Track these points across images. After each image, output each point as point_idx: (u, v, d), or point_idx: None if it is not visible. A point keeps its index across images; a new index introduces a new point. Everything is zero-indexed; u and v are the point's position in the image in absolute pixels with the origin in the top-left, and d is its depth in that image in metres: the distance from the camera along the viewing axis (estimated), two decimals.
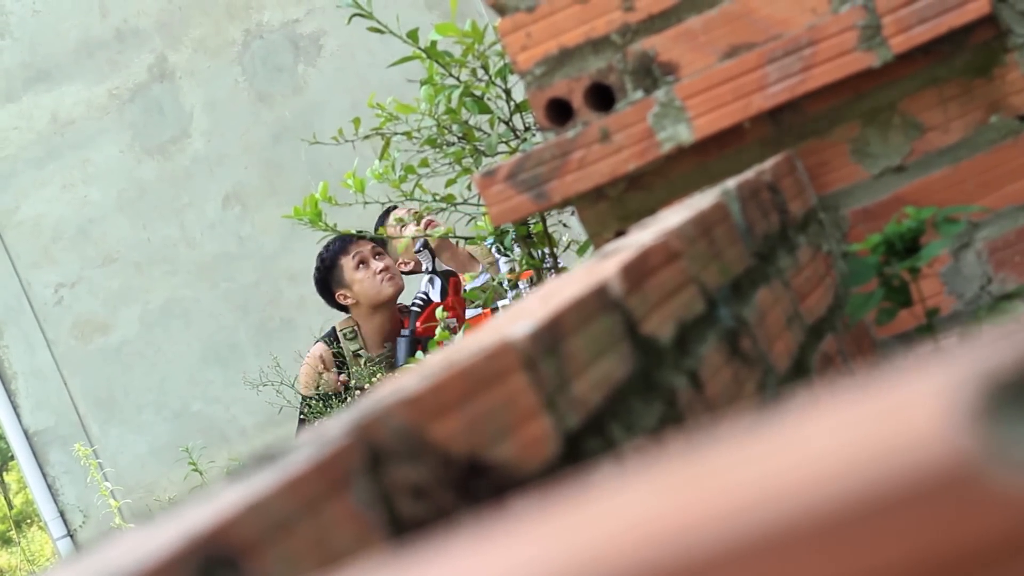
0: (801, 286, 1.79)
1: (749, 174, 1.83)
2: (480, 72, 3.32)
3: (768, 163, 1.91)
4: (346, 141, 3.79)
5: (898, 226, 1.77)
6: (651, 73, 2.02)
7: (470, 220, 3.85)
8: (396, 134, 3.57)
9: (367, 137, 3.73)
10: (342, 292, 4.81)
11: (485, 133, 3.47)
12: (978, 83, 1.94)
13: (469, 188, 3.76)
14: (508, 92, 3.36)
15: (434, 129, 3.47)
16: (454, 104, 3.37)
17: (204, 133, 6.76)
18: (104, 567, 0.64)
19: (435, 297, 4.62)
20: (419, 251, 4.58)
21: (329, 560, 0.76)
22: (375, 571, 0.38)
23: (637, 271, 1.30)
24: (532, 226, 3.67)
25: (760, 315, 1.57)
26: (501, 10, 2.08)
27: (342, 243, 4.85)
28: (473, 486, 0.92)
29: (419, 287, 4.78)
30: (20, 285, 7.00)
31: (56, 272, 6.96)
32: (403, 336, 4.70)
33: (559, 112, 2.07)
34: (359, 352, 4.83)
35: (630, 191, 2.06)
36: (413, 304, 4.80)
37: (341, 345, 4.88)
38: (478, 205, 3.79)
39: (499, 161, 3.26)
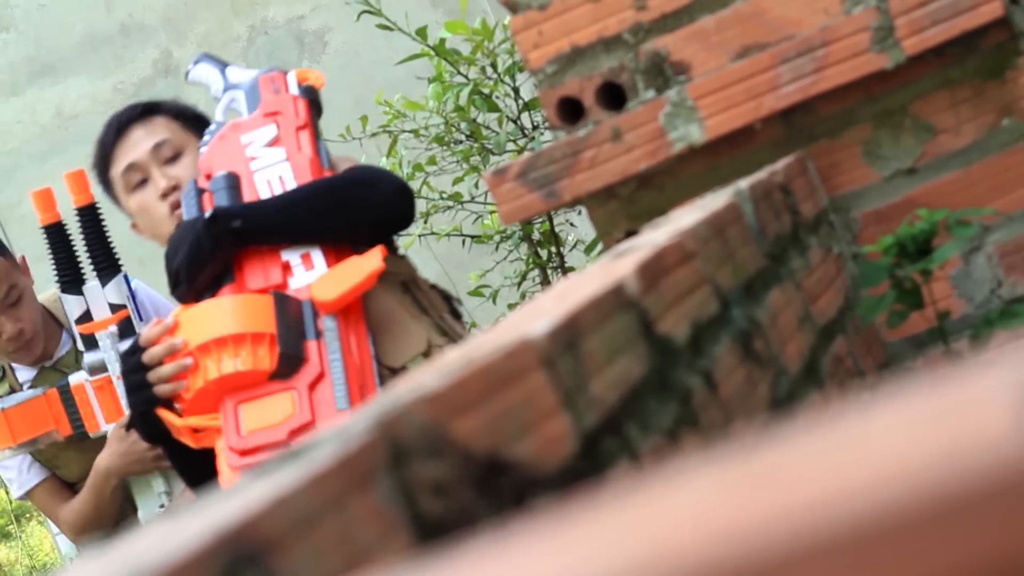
0: (812, 288, 1.78)
1: (761, 175, 1.83)
2: (489, 70, 3.32)
3: (780, 164, 1.91)
4: (353, 139, 3.79)
5: (910, 228, 1.77)
6: (663, 72, 2.02)
7: (477, 218, 3.85)
8: (403, 132, 3.57)
9: (375, 135, 3.73)
10: None
11: (493, 131, 3.46)
12: (990, 86, 1.94)
13: (476, 186, 3.76)
14: (517, 90, 3.36)
15: (442, 127, 3.47)
16: (462, 102, 3.37)
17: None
18: (132, 561, 0.63)
19: None
20: None
21: (353, 556, 0.76)
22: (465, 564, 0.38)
23: (653, 270, 1.30)
24: (539, 225, 3.67)
25: (772, 316, 1.57)
26: (513, 8, 2.07)
27: None
28: (493, 484, 0.92)
29: None
30: None
31: None
32: None
33: (570, 111, 2.07)
34: None
35: (641, 190, 2.05)
36: None
37: None
38: (485, 203, 3.78)
39: (507, 159, 3.26)
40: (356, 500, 0.77)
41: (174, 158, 2.99)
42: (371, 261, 2.35)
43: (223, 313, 2.36)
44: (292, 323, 2.33)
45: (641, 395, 1.19)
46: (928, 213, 1.79)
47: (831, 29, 1.93)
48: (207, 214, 2.43)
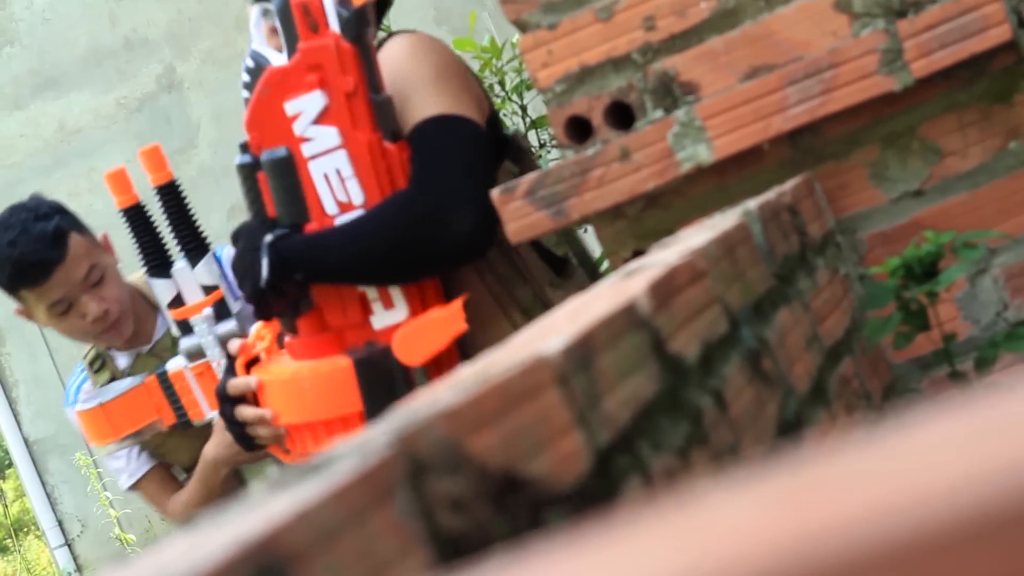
0: (820, 308, 1.79)
1: (770, 195, 1.83)
2: (497, 88, 3.33)
3: (788, 185, 1.92)
4: None
5: (917, 250, 1.78)
6: (671, 93, 2.03)
7: None
8: None
9: None
10: None
11: None
12: (998, 109, 1.95)
13: None
14: (524, 108, 3.37)
15: None
16: None
17: (211, 144, 6.77)
18: (158, 572, 0.64)
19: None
20: None
21: (373, 570, 0.76)
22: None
23: (664, 290, 1.30)
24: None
25: (781, 336, 1.58)
26: (523, 27, 2.08)
27: None
28: (509, 501, 0.93)
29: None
30: None
31: None
32: None
33: (579, 130, 2.07)
34: None
35: (648, 210, 2.06)
36: None
37: None
38: None
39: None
40: (376, 514, 0.78)
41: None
42: (455, 324, 2.20)
43: (306, 394, 2.28)
44: (379, 391, 2.23)
45: (653, 414, 1.19)
46: (935, 235, 1.80)
47: (839, 51, 1.93)
48: (265, 263, 2.25)
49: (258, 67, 2.28)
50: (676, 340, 1.28)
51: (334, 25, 2.22)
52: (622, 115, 2.06)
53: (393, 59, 2.37)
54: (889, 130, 1.98)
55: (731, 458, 1.32)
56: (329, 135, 2.24)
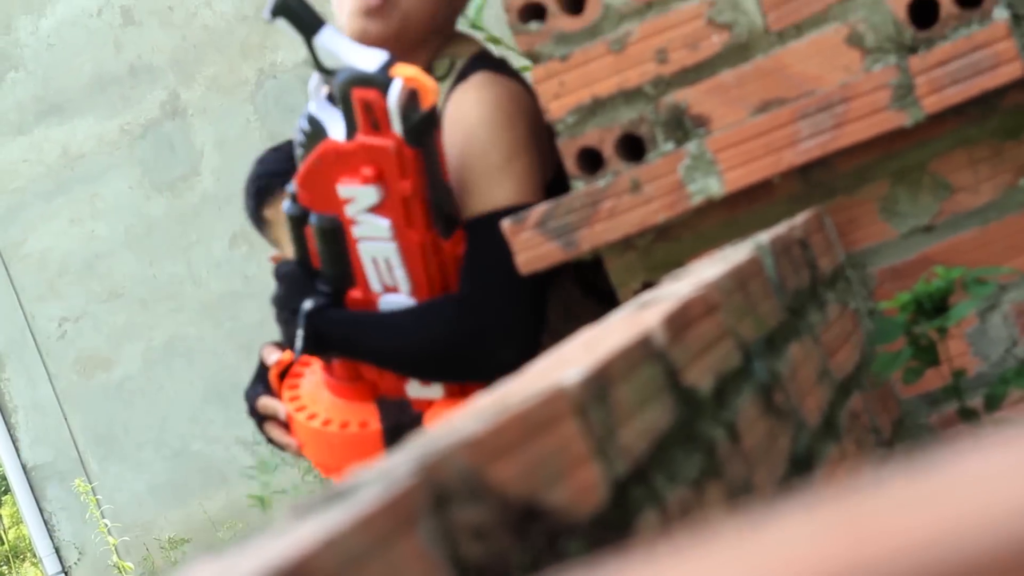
0: (830, 343, 1.79)
1: (781, 229, 1.84)
2: None
3: (799, 218, 1.92)
4: None
5: (927, 286, 1.78)
6: (682, 125, 2.03)
7: None
8: None
9: None
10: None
11: None
12: (1009, 146, 1.95)
13: None
14: None
15: None
16: None
17: (214, 171, 6.78)
18: None
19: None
20: None
21: None
22: None
23: (679, 322, 1.30)
24: None
25: (792, 370, 1.58)
26: (535, 58, 2.09)
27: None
28: (529, 530, 0.92)
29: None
30: (24, 318, 7.00)
31: (61, 306, 6.97)
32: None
33: (590, 161, 2.08)
34: None
35: (658, 242, 2.06)
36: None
37: None
38: None
39: None
40: (401, 542, 0.78)
41: None
42: None
43: (333, 448, 2.25)
44: None
45: (668, 445, 1.19)
46: (945, 271, 1.80)
47: (851, 86, 1.94)
48: (300, 335, 2.19)
49: (315, 133, 2.15)
50: (690, 372, 1.28)
51: (397, 126, 2.08)
52: (633, 147, 2.06)
53: (466, 123, 2.24)
54: (900, 165, 1.98)
55: (744, 492, 1.32)
56: (381, 226, 2.13)
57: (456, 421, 0.99)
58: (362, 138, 2.09)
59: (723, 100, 2.02)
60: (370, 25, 2.24)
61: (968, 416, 1.86)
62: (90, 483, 6.90)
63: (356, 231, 2.14)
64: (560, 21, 2.08)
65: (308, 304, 2.20)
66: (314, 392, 2.31)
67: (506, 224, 2.06)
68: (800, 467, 1.49)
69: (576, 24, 2.07)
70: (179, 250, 6.83)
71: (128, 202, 6.84)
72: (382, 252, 2.15)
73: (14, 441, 7.15)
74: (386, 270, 2.17)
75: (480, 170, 2.21)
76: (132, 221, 6.84)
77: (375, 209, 2.12)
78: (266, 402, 2.34)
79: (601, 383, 1.10)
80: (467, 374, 2.20)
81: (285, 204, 2.21)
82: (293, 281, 2.25)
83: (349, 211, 2.13)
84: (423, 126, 2.08)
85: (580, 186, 2.06)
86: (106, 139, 6.83)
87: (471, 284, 2.16)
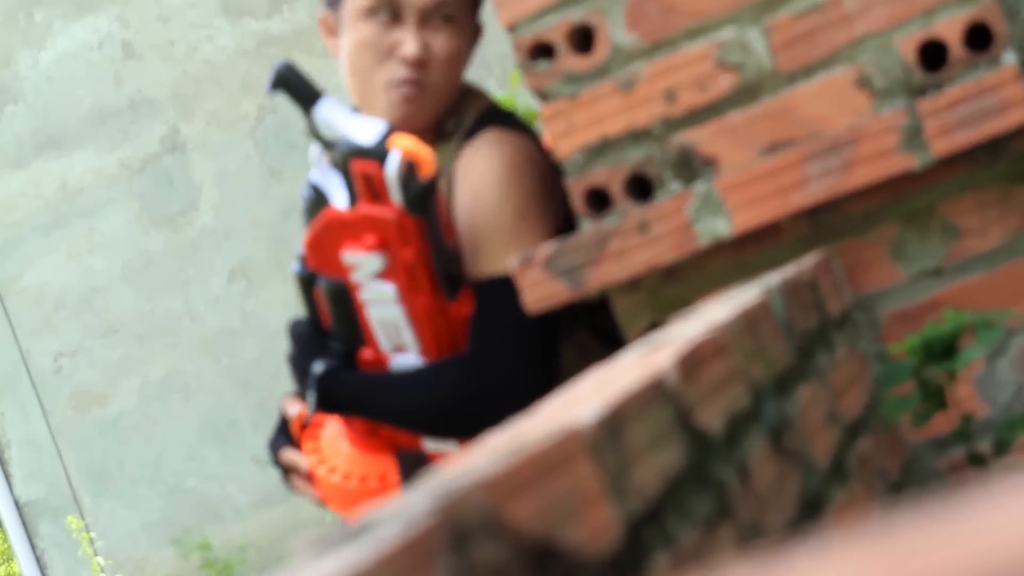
0: (839, 385, 1.78)
1: (789, 271, 1.83)
2: None
3: (807, 260, 1.91)
4: None
5: (936, 329, 1.77)
6: (690, 166, 2.03)
7: None
8: None
9: None
10: None
11: None
12: (1017, 190, 1.95)
13: None
14: None
15: None
16: None
17: (213, 206, 6.78)
18: None
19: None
20: None
21: None
22: None
23: (690, 363, 1.30)
24: None
25: (801, 412, 1.57)
26: (544, 96, 2.09)
27: None
28: (545, 570, 0.92)
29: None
30: (19, 353, 6.99)
31: (57, 341, 6.95)
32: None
33: (597, 200, 2.08)
34: None
35: (665, 282, 2.06)
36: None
37: None
38: None
39: None
40: None
41: (447, 21, 2.27)
42: None
43: (353, 499, 2.29)
44: None
45: (680, 486, 1.19)
46: (954, 314, 1.79)
47: (860, 128, 1.94)
48: (311, 398, 2.23)
49: (318, 200, 2.18)
50: (702, 413, 1.28)
51: (396, 197, 2.12)
52: (641, 187, 2.06)
53: (475, 182, 2.24)
54: (908, 208, 1.98)
55: (754, 533, 1.31)
56: (386, 292, 2.18)
57: (470, 460, 0.98)
58: (363, 208, 2.14)
59: (731, 141, 2.02)
60: (408, 110, 2.26)
61: (977, 461, 1.86)
62: (83, 519, 6.87)
63: (363, 295, 2.19)
64: (569, 60, 2.08)
65: (319, 367, 2.24)
66: (334, 443, 2.34)
67: (514, 262, 2.06)
68: (809, 509, 1.48)
69: (585, 64, 2.08)
70: (177, 285, 6.83)
71: (126, 236, 6.83)
72: (389, 315, 2.19)
73: (7, 476, 7.12)
74: (394, 332, 2.20)
75: (490, 231, 2.23)
76: (130, 256, 6.84)
77: (380, 275, 2.16)
78: (289, 455, 2.36)
79: (615, 423, 1.09)
80: (475, 433, 2.20)
81: (294, 265, 2.25)
82: (305, 341, 2.29)
83: (354, 277, 2.17)
84: (422, 196, 2.13)
85: (588, 225, 2.06)
86: (105, 173, 6.83)
87: (479, 345, 2.19)
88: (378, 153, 2.12)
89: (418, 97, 2.27)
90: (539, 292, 2.04)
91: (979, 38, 1.93)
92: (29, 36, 6.90)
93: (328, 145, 2.17)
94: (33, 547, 7.21)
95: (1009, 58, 1.91)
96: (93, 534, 6.97)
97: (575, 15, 2.08)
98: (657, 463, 1.16)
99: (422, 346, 2.21)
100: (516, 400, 2.15)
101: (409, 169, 2.11)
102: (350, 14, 2.30)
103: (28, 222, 6.91)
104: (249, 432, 6.73)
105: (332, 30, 2.35)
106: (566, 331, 2.25)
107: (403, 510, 0.82)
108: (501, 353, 2.18)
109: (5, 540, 9.97)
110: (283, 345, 6.31)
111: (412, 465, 2.26)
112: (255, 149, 6.73)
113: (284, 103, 6.64)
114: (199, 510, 6.83)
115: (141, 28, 6.80)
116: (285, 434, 2.40)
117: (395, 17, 2.27)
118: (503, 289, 2.16)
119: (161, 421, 6.90)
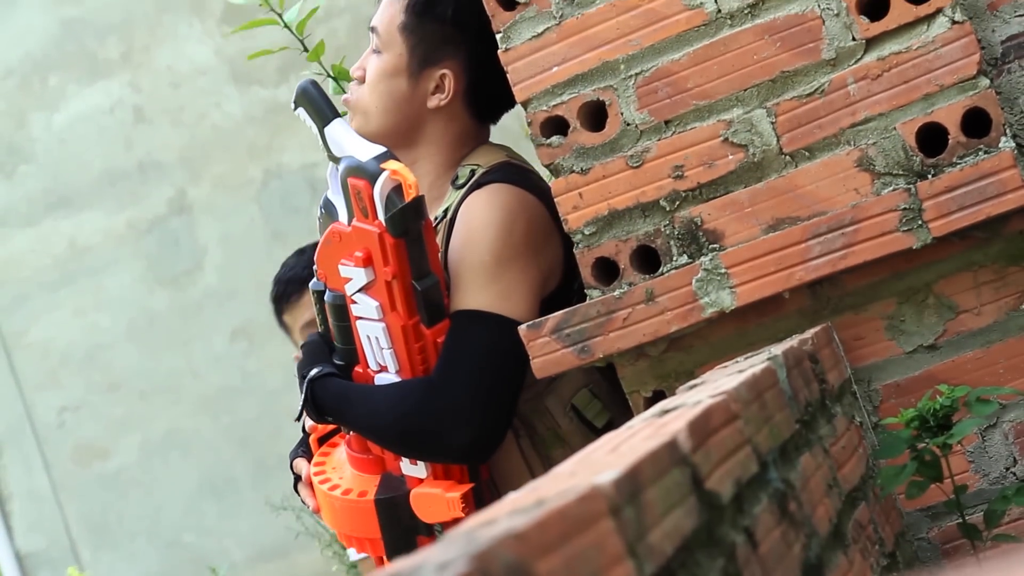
0: (838, 455, 1.84)
1: (792, 342, 1.90)
2: None
3: (809, 333, 1.98)
4: None
5: (932, 403, 1.84)
6: (697, 239, 2.10)
7: None
8: None
9: None
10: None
11: None
12: (1012, 270, 2.02)
13: None
14: None
15: None
16: None
17: (217, 268, 6.83)
18: None
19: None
20: None
21: None
22: None
23: (702, 429, 1.36)
24: None
25: (804, 480, 1.63)
26: (556, 171, 2.16)
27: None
28: None
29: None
30: (24, 406, 7.02)
31: (61, 396, 6.98)
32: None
33: (606, 271, 2.14)
34: None
35: (670, 351, 2.12)
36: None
37: None
38: None
39: None
40: None
41: (376, 52, 2.54)
42: (453, 510, 2.30)
43: (337, 514, 2.44)
44: (395, 527, 2.37)
45: (692, 548, 1.24)
46: (949, 389, 1.86)
47: (861, 208, 2.01)
48: (300, 398, 2.40)
49: (327, 216, 2.35)
50: (712, 478, 1.33)
51: (381, 215, 2.25)
52: (648, 259, 2.13)
53: (470, 223, 2.38)
54: (906, 285, 2.05)
55: None
56: (371, 307, 2.31)
57: (493, 515, 1.04)
58: (356, 223, 2.29)
59: (737, 216, 2.08)
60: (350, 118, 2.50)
61: (969, 532, 1.92)
62: (83, 572, 6.88)
63: (355, 310, 2.33)
64: (581, 136, 2.15)
65: (313, 372, 2.38)
66: (340, 461, 2.49)
67: (523, 330, 2.13)
68: (812, 575, 1.54)
69: (596, 139, 2.15)
70: (179, 344, 6.86)
71: (131, 295, 6.88)
72: (373, 331, 2.33)
73: (8, 528, 7.14)
74: (377, 349, 2.34)
75: (471, 268, 2.35)
76: (134, 314, 6.88)
77: (366, 290, 2.30)
78: (298, 463, 2.53)
79: (634, 484, 1.15)
80: (424, 452, 2.35)
81: (313, 280, 2.41)
82: (312, 351, 2.44)
83: (348, 289, 2.32)
84: (403, 217, 2.24)
85: (596, 295, 2.13)
86: (113, 233, 6.89)
87: (440, 369, 2.32)
88: (370, 172, 2.26)
89: (351, 108, 2.52)
90: (547, 359, 2.11)
91: (977, 124, 2.00)
92: (43, 99, 6.98)
93: (336, 162, 2.34)
94: None
95: (1006, 144, 1.97)
96: None
97: (588, 92, 2.15)
98: (672, 524, 1.21)
99: (399, 366, 2.34)
100: (460, 424, 2.29)
101: (395, 190, 2.25)
102: None
103: (36, 279, 6.96)
104: (247, 488, 6.76)
105: None
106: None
107: (439, 564, 0.88)
108: (458, 380, 2.30)
109: None
110: (282, 405, 6.36)
111: (391, 486, 2.38)
112: (260, 213, 6.79)
113: (289, 168, 6.71)
114: (196, 564, 6.84)
115: (152, 94, 6.87)
116: (305, 446, 2.56)
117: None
118: (474, 322, 2.31)
119: (161, 476, 6.93)
